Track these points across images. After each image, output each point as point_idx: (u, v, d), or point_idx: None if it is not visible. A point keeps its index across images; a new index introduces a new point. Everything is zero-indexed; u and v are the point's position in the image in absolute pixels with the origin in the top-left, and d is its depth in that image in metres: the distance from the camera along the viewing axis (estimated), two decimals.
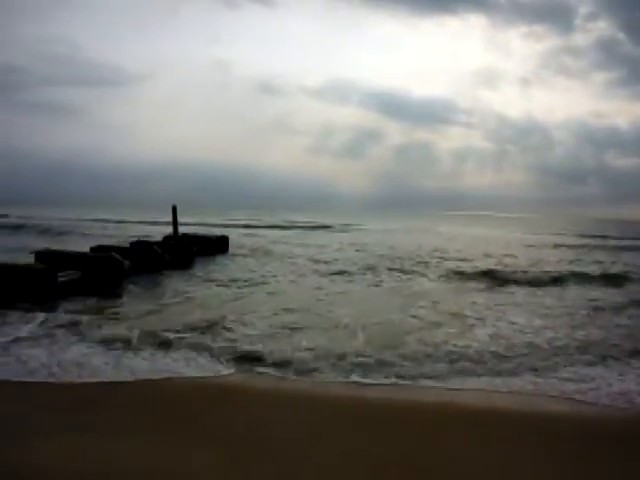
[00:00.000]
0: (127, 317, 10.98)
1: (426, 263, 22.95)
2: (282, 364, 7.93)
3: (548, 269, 21.13)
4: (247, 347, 8.74)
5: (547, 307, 13.41)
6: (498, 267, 21.11)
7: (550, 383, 7.43)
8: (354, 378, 7.47)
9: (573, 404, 6.73)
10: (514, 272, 19.47)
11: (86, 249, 17.21)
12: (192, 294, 14.10)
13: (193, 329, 9.84)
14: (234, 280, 16.66)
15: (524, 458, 5.05)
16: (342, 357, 8.29)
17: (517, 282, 17.56)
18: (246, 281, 16.59)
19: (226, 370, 7.72)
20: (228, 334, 9.61)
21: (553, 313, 12.60)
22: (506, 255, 27.54)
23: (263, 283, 16.48)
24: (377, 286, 16.82)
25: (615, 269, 22.10)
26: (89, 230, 38.35)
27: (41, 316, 10.48)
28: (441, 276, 18.96)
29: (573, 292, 16.29)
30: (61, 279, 13.12)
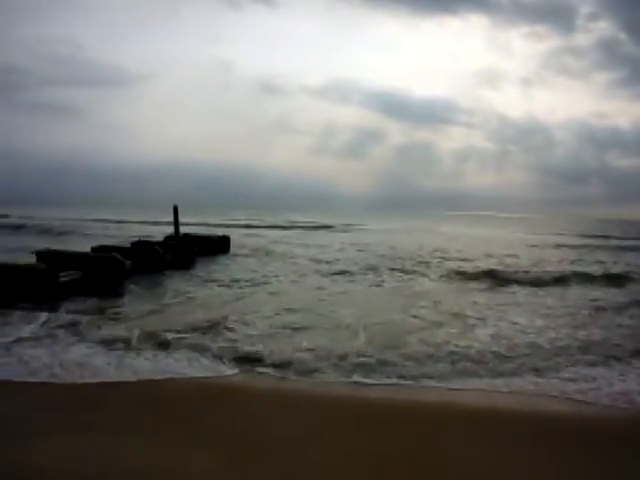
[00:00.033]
0: (128, 317, 10.99)
1: (427, 263, 22.94)
2: (283, 364, 7.93)
3: (549, 269, 21.11)
4: (248, 347, 8.75)
5: (549, 307, 13.39)
6: (499, 267, 21.09)
7: (551, 383, 7.42)
8: (355, 378, 7.47)
9: (574, 404, 6.72)
10: (515, 272, 19.45)
11: (87, 249, 17.23)
12: (193, 294, 14.10)
13: (195, 329, 9.84)
14: (235, 280, 16.66)
15: (525, 458, 5.04)
16: (343, 357, 8.29)
17: (518, 282, 17.54)
18: (247, 281, 16.59)
19: (227, 370, 7.72)
20: (229, 334, 9.61)
21: (554, 313, 12.58)
22: (507, 255, 27.51)
23: (264, 283, 16.49)
24: (378, 286, 16.82)
25: (617, 269, 22.06)
26: (90, 230, 38.39)
27: (43, 316, 10.50)
28: (442, 276, 18.94)
29: (575, 292, 16.26)
30: (62, 279, 13.13)
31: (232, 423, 5.71)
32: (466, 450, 5.15)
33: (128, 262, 15.71)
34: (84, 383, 6.94)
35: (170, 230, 24.13)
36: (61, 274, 13.14)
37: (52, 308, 11.28)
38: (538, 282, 17.63)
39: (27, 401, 6.22)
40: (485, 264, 22.34)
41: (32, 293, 12.09)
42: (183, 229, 23.95)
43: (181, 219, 23.15)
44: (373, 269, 20.28)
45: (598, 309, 13.23)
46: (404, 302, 13.68)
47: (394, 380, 7.45)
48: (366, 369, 7.80)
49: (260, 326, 10.41)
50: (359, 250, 29.32)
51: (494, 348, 9.09)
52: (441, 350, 8.91)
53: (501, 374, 7.80)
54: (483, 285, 17.03)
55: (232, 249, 25.84)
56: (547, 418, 6.24)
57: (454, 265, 22.06)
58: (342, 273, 19.08)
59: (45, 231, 37.35)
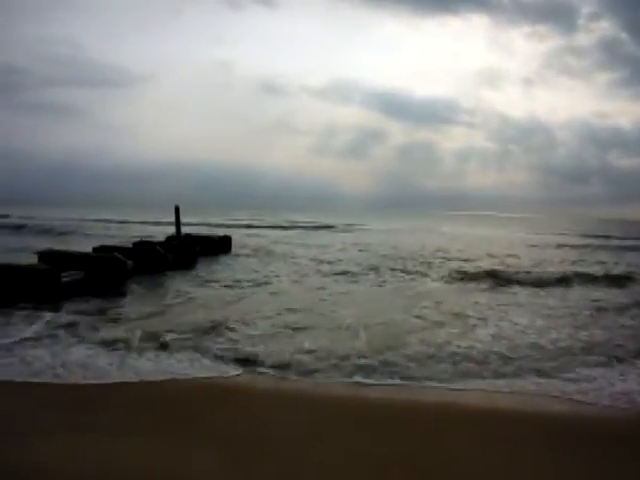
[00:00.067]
0: (130, 318, 11.00)
1: (429, 263, 22.94)
2: (284, 365, 7.94)
3: (551, 269, 21.11)
4: (249, 348, 8.76)
5: (550, 307, 13.38)
6: (501, 267, 21.08)
7: (552, 383, 7.42)
8: (356, 378, 7.47)
9: (575, 404, 6.71)
10: (517, 272, 19.45)
11: (89, 249, 17.25)
12: (195, 294, 14.11)
13: (196, 330, 9.85)
14: (237, 280, 16.68)
15: (526, 458, 5.04)
16: (344, 358, 8.29)
17: (520, 282, 17.53)
18: (249, 281, 16.60)
19: (228, 371, 7.72)
20: (231, 335, 9.62)
21: (556, 313, 12.57)
22: (509, 255, 27.51)
23: (266, 283, 16.49)
24: (380, 286, 16.82)
25: (618, 269, 22.04)
26: (91, 230, 38.46)
27: (45, 317, 10.52)
28: (444, 276, 18.93)
29: (576, 293, 16.24)
30: (64, 279, 13.15)
31: (233, 423, 5.71)
32: (467, 450, 5.15)
33: (130, 262, 15.72)
34: (86, 384, 6.96)
35: (171, 230, 24.16)
36: (63, 274, 13.15)
37: (54, 308, 11.30)
38: (539, 282, 17.62)
39: (29, 401, 6.23)
40: (486, 264, 22.34)
41: (34, 293, 12.11)
42: (184, 229, 23.98)
43: (182, 219, 23.18)
44: (374, 269, 20.28)
45: (599, 310, 13.22)
46: (406, 302, 13.68)
47: (395, 380, 7.45)
48: (367, 370, 7.79)
49: (261, 326, 10.42)
50: (360, 250, 29.34)
51: (495, 348, 9.09)
52: (442, 350, 8.91)
53: (502, 374, 7.79)
54: (484, 285, 17.01)
55: (233, 249, 25.87)
56: (548, 418, 6.24)
57: (455, 265, 22.05)
58: (343, 273, 19.08)
59: (46, 231, 37.42)
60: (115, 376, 7.27)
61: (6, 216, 54.62)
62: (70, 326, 9.89)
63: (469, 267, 21.24)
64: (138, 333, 9.37)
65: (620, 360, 8.59)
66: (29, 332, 9.39)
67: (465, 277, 18.69)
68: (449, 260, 24.48)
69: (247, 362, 8.05)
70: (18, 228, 40.27)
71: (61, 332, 9.44)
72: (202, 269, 19.38)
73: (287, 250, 27.90)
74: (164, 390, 6.89)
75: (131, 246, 19.68)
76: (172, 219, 23.37)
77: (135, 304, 12.71)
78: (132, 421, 5.72)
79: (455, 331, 10.38)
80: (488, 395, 7.03)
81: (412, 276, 19.05)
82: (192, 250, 21.01)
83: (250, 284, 16.15)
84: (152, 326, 10.07)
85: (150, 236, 26.35)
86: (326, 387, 7.20)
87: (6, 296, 11.77)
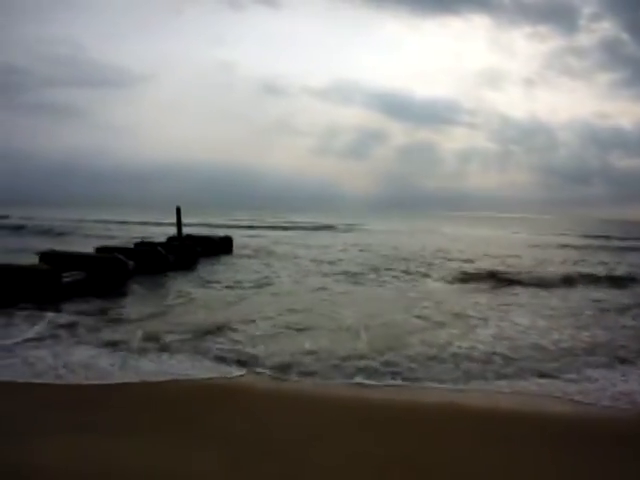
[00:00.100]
0: (131, 318, 11.00)
1: (430, 264, 22.94)
2: (285, 366, 7.93)
3: (552, 270, 21.09)
4: (250, 349, 8.76)
5: (552, 308, 13.37)
6: (502, 268, 21.09)
7: (553, 384, 7.41)
8: (357, 380, 7.46)
9: (576, 405, 6.70)
10: (518, 273, 19.45)
11: (88, 250, 17.27)
12: (196, 295, 14.11)
13: (197, 330, 9.85)
14: (238, 281, 16.68)
15: (527, 458, 5.04)
16: (345, 359, 8.29)
17: (521, 283, 17.53)
18: (250, 282, 16.60)
19: (229, 371, 7.72)
20: (232, 335, 9.62)
21: (558, 314, 12.56)
22: (510, 256, 27.49)
23: (267, 284, 16.49)
24: (381, 287, 16.82)
25: (620, 270, 22.04)
26: (91, 231, 38.50)
27: (46, 317, 10.52)
28: (445, 277, 18.94)
29: (578, 293, 16.24)
30: (65, 280, 13.17)
31: (234, 424, 5.71)
32: (468, 451, 5.14)
33: (131, 263, 15.74)
34: (88, 384, 6.96)
35: (172, 231, 24.19)
36: (64, 275, 13.17)
37: (55, 309, 11.31)
38: (541, 283, 17.62)
39: (31, 401, 6.24)
40: (488, 265, 22.34)
41: (35, 294, 12.12)
42: (185, 230, 23.98)
43: (183, 220, 23.19)
44: (375, 270, 20.29)
45: (601, 310, 13.23)
46: (406, 303, 13.68)
47: (397, 381, 7.44)
48: (368, 371, 7.79)
49: (262, 327, 10.42)
50: (361, 250, 29.35)
51: (497, 349, 9.08)
52: (444, 351, 8.91)
53: (504, 375, 7.78)
54: (486, 286, 17.01)
55: (234, 250, 25.87)
56: (549, 419, 6.24)
57: (456, 266, 22.06)
58: (345, 274, 19.08)
59: (46, 232, 37.43)
60: (117, 377, 7.27)
61: (6, 217, 54.59)
62: (71, 327, 9.90)
63: (470, 268, 21.24)
64: (139, 334, 9.37)
65: (622, 361, 8.59)
66: (31, 333, 9.39)
67: (466, 277, 18.69)
68: (450, 261, 24.48)
69: (248, 363, 8.05)
70: (18, 229, 40.29)
71: (63, 333, 9.46)
72: (203, 270, 19.39)
73: (288, 250, 27.91)
74: (165, 391, 6.90)
75: (132, 247, 19.72)
76: (173, 220, 23.39)
77: (136, 305, 12.72)
78: (133, 421, 5.72)
79: (456, 332, 10.38)
80: (489, 396, 7.03)
81: (413, 277, 19.04)
82: (193, 251, 21.02)
83: (251, 285, 16.15)
84: (153, 327, 10.08)
85: (150, 237, 26.38)
86: (327, 388, 7.20)
87: (7, 296, 11.79)
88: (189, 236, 24.13)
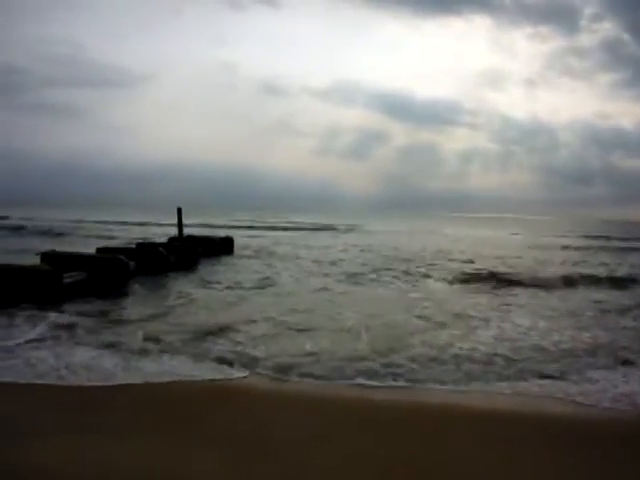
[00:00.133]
0: (132, 319, 11.01)
1: (431, 265, 22.93)
2: (286, 366, 7.94)
3: (553, 271, 21.08)
4: (252, 349, 8.76)
5: (553, 309, 13.37)
6: (503, 269, 21.09)
7: (555, 385, 7.41)
8: (359, 380, 7.46)
9: (577, 406, 6.71)
10: (519, 274, 19.44)
11: (89, 250, 17.29)
12: (197, 296, 14.12)
13: (198, 331, 9.85)
14: (239, 282, 16.69)
15: (528, 460, 5.04)
16: (347, 359, 8.30)
17: (522, 284, 17.52)
18: (251, 282, 16.61)
19: (230, 372, 7.73)
20: (233, 336, 9.63)
21: (558, 315, 12.56)
22: (511, 257, 27.48)
23: (268, 284, 16.50)
24: (382, 287, 16.82)
25: (621, 271, 22.03)
26: (92, 231, 38.53)
27: (47, 318, 10.53)
28: (446, 277, 18.94)
29: (579, 294, 16.23)
30: (67, 280, 13.18)
31: (235, 424, 5.72)
32: (470, 452, 5.15)
33: (132, 263, 15.76)
34: (90, 385, 6.97)
35: (173, 231, 24.23)
36: (65, 275, 13.18)
37: (56, 309, 11.31)
38: (542, 284, 17.59)
39: (33, 403, 6.25)
40: (489, 265, 22.32)
41: (36, 294, 12.13)
42: (186, 230, 24.02)
43: (184, 220, 23.23)
44: (377, 270, 20.30)
45: (602, 311, 13.22)
46: (408, 303, 13.68)
47: (398, 382, 7.44)
48: (369, 372, 7.79)
49: (264, 328, 10.43)
50: (363, 251, 29.37)
51: (498, 350, 9.08)
52: (445, 352, 8.91)
53: (505, 376, 7.78)
54: (487, 287, 17.01)
55: (235, 250, 25.89)
56: (551, 420, 6.24)
57: (457, 266, 22.06)
58: (346, 274, 19.09)
59: (46, 232, 37.43)
60: (119, 378, 7.28)
61: (6, 217, 54.55)
62: (73, 327, 9.90)
63: (471, 268, 21.23)
64: (140, 334, 9.39)
65: (623, 362, 8.58)
66: (32, 334, 9.39)
67: (467, 278, 18.69)
68: (451, 261, 24.49)
69: (249, 364, 8.06)
70: (18, 229, 40.29)
71: (64, 333, 9.46)
72: (204, 270, 19.41)
73: (289, 251, 27.94)
74: (167, 392, 6.90)
75: (134, 247, 19.75)
76: (173, 220, 23.44)
77: (137, 305, 12.73)
78: (135, 423, 5.73)
79: (458, 333, 10.38)
80: (491, 397, 7.03)
81: (414, 277, 19.05)
82: (194, 251, 21.04)
83: (252, 285, 16.17)
84: (154, 327, 10.09)
85: (150, 237, 26.41)
86: (328, 389, 7.20)
87: (9, 297, 11.80)
88: (190, 237, 24.16)
